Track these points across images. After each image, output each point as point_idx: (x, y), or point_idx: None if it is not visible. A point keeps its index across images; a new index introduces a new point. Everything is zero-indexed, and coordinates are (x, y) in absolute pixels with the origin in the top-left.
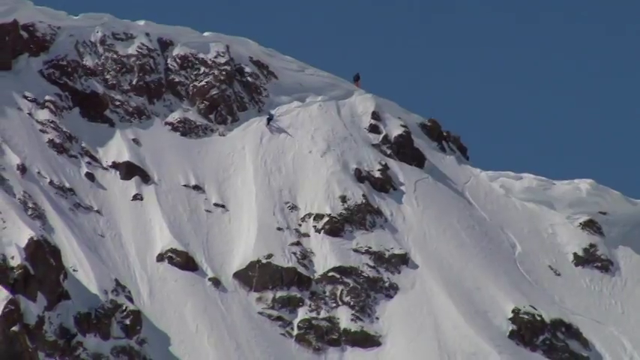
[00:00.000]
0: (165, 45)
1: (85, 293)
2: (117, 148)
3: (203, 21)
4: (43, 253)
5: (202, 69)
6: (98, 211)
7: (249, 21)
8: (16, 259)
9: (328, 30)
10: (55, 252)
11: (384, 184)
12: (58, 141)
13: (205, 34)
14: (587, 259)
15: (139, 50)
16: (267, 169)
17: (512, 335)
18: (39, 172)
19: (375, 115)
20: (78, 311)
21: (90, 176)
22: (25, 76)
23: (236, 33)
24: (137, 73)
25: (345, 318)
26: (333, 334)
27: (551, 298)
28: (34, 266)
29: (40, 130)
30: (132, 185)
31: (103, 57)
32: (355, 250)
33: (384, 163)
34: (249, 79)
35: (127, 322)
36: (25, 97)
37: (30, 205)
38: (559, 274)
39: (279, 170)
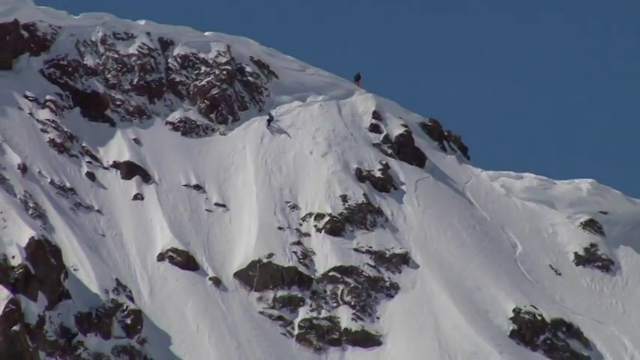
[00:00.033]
0: (165, 44)
1: (85, 293)
2: (117, 148)
3: (204, 20)
4: (43, 252)
5: (203, 68)
6: (99, 211)
7: (250, 21)
8: (16, 259)
9: (329, 30)
10: (56, 251)
11: (385, 183)
12: (58, 140)
13: (206, 33)
14: (588, 258)
15: (140, 50)
16: (268, 168)
17: (513, 335)
18: (40, 172)
19: (376, 115)
20: (79, 311)
21: (91, 176)
22: (26, 75)
23: (237, 32)
24: (138, 73)
25: (345, 317)
26: (334, 334)
27: (552, 298)
28: (35, 266)
29: (41, 130)
30: (132, 185)
31: (103, 56)
32: (356, 250)
33: (384, 162)
34: (249, 78)
35: (128, 321)
36: (26, 97)
37: (31, 204)
38: (560, 274)
39: (279, 170)
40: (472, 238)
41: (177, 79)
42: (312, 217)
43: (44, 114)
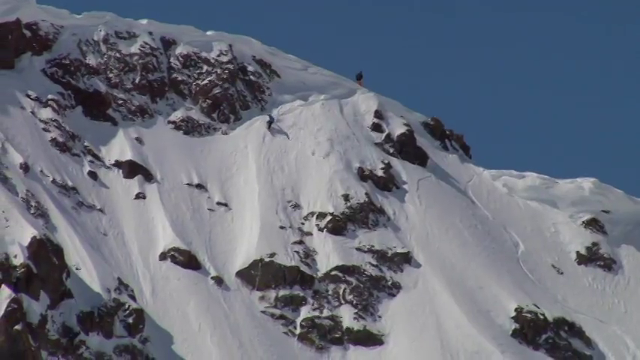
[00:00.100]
0: (168, 44)
1: (87, 292)
2: (120, 147)
3: (206, 20)
4: (45, 251)
5: (205, 68)
6: (101, 210)
7: (252, 20)
8: (18, 258)
9: (331, 29)
10: (58, 251)
11: (387, 182)
12: (60, 140)
13: (208, 32)
14: (590, 257)
15: (142, 49)
16: (270, 167)
17: (515, 334)
18: (42, 171)
19: (378, 114)
20: (81, 310)
21: (93, 175)
22: (28, 74)
23: (239, 32)
24: (140, 72)
25: (347, 317)
26: (336, 333)
27: (554, 297)
28: (37, 265)
29: (43, 129)
30: (134, 184)
31: (105, 56)
32: (358, 249)
33: (386, 161)
34: (252, 77)
35: (130, 320)
36: (28, 96)
37: (33, 203)
38: (562, 273)
39: (281, 169)
40: (474, 237)
41: (180, 79)
42: (314, 217)
43: (46, 113)
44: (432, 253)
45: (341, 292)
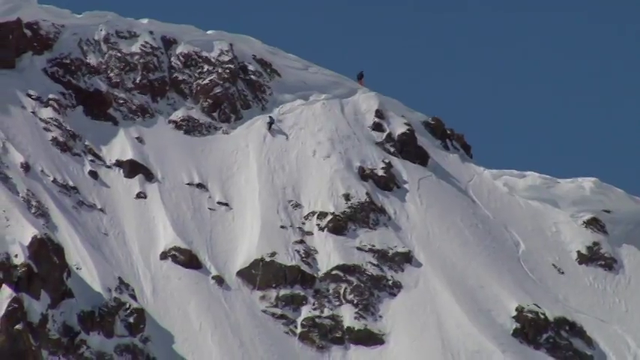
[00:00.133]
0: (168, 43)
1: (88, 291)
2: (120, 146)
3: (206, 19)
4: (46, 251)
5: (206, 67)
6: (102, 209)
7: (253, 19)
8: (19, 258)
9: (332, 28)
10: (59, 250)
11: (388, 182)
12: (61, 139)
13: (209, 32)
14: (591, 257)
15: (143, 48)
16: (271, 167)
17: (516, 333)
18: (42, 171)
19: (379, 114)
20: (81, 309)
21: (93, 174)
22: (29, 74)
23: (239, 31)
24: (141, 72)
25: (348, 316)
26: (337, 333)
27: (555, 297)
28: (38, 264)
29: (44, 129)
30: (135, 183)
31: (106, 55)
32: (359, 249)
33: (387, 161)
34: (252, 77)
35: (131, 320)
36: (29, 96)
37: (33, 203)
38: (563, 273)
39: (282, 168)
40: (475, 236)
41: (180, 78)
42: (315, 216)
43: (47, 112)
44: (433, 253)
45: (342, 291)
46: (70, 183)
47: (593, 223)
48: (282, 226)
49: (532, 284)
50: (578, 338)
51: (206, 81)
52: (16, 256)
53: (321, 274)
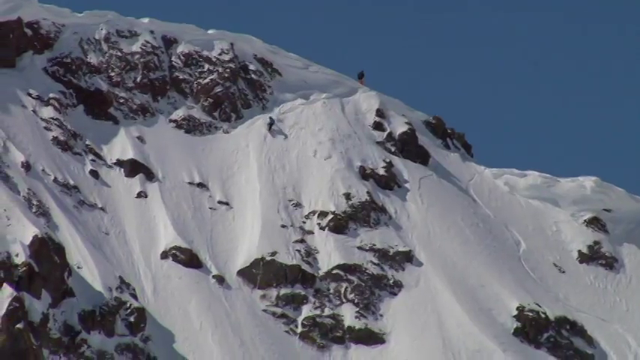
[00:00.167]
0: (169, 42)
1: (89, 290)
2: (121, 146)
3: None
4: (47, 250)
5: (206, 66)
6: (102, 209)
7: (253, 18)
8: (20, 257)
9: (332, 27)
10: (60, 249)
11: (389, 181)
12: (62, 138)
13: (209, 31)
14: (592, 256)
15: (143, 48)
16: (271, 166)
17: (517, 333)
18: (43, 170)
19: (380, 113)
20: (82, 308)
21: (94, 174)
22: (30, 73)
23: (240, 30)
24: (141, 71)
25: (349, 315)
26: (337, 332)
27: (556, 296)
28: (39, 264)
29: (45, 128)
30: (136, 183)
31: (107, 54)
32: (359, 248)
33: (388, 160)
34: (253, 76)
35: (132, 319)
36: (30, 95)
37: (34, 202)
38: (563, 272)
39: (283, 168)
40: (475, 235)
41: (181, 77)
42: (316, 215)
43: (48, 112)
44: (434, 252)
45: (342, 290)
46: (71, 182)
47: (594, 223)
48: (282, 226)
49: (533, 283)
50: (578, 337)
51: (207, 80)
52: (16, 255)
53: (321, 273)
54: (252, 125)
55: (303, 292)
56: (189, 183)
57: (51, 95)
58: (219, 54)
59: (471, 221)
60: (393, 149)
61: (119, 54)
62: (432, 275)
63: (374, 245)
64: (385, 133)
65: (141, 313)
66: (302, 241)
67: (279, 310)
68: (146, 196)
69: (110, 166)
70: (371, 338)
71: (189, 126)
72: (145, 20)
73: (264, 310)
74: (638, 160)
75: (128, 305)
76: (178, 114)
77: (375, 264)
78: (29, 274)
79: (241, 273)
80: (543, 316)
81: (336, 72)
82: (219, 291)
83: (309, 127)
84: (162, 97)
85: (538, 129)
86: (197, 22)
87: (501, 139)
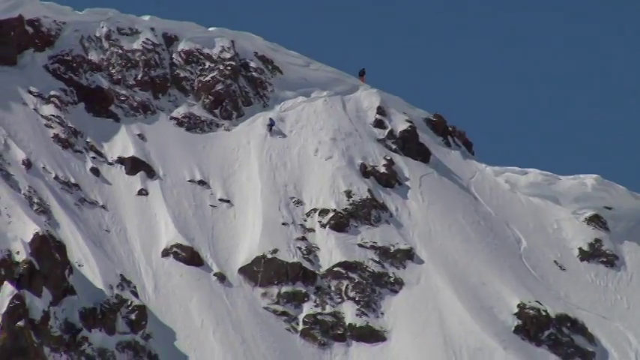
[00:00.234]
0: (170, 40)
1: (90, 288)
2: (122, 143)
3: (208, 16)
4: (48, 248)
5: (207, 64)
6: (103, 206)
7: (254, 16)
8: (21, 254)
9: (333, 25)
10: (61, 247)
11: (390, 179)
12: (63, 136)
13: (210, 29)
14: (593, 254)
15: (144, 45)
16: (273, 164)
17: (518, 330)
18: (44, 167)
19: (381, 110)
20: (83, 306)
21: (95, 171)
22: (31, 71)
23: (241, 28)
24: (142, 68)
25: (350, 313)
26: (339, 329)
27: (557, 294)
28: (40, 261)
29: (45, 125)
30: (137, 180)
31: (108, 52)
32: (360, 245)
33: (389, 158)
34: (254, 74)
35: (133, 317)
36: (30, 92)
37: (35, 200)
38: (564, 270)
39: (284, 165)
40: (477, 233)
41: (182, 75)
42: (317, 213)
43: (48, 109)
44: (435, 250)
45: (343, 288)
46: (72, 180)
47: (595, 220)
48: (283, 223)
49: (534, 281)
50: (579, 335)
51: (207, 78)
52: (17, 253)
53: (322, 270)
54: (253, 123)
55: (304, 290)
56: (190, 181)
57: (52, 93)
58: (220, 51)
59: (472, 219)
60: (393, 147)
61: (120, 51)
62: (433, 273)
63: (375, 243)
64: (386, 131)
65: (142, 310)
66: (303, 238)
67: (280, 308)
68: (147, 194)
69: (111, 164)
70: (372, 336)
71: (190, 123)
72: (146, 18)
73: (265, 308)
74: (638, 157)
75: (129, 303)
76: (179, 111)
77: (375, 262)
78: (30, 271)
79: (242, 271)
80: (544, 313)
81: (336, 70)
82: (220, 289)
83: (310, 125)
84: (163, 95)
85: (539, 127)
86: (198, 20)
87: (502, 137)
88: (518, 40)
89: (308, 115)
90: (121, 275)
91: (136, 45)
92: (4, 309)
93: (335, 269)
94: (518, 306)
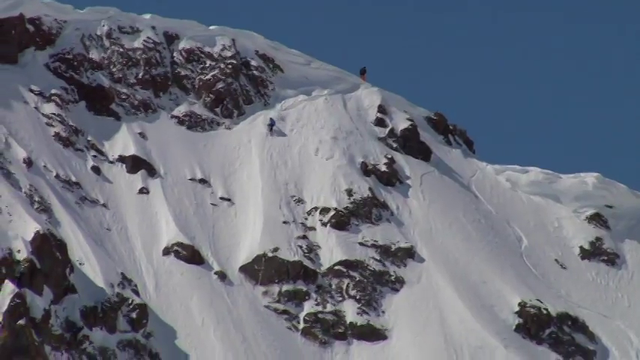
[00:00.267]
0: (171, 38)
1: (91, 287)
2: (123, 142)
3: (209, 15)
4: (49, 246)
5: (208, 62)
6: (104, 205)
7: (255, 14)
8: (22, 253)
9: (334, 23)
10: (61, 245)
11: (390, 177)
12: (64, 134)
13: (211, 27)
14: (594, 252)
15: (145, 44)
16: (273, 162)
17: (519, 329)
18: (45, 166)
19: (381, 109)
20: (84, 305)
21: (96, 170)
22: (32, 69)
23: (242, 26)
24: (143, 67)
25: (351, 312)
26: (339, 328)
27: (558, 292)
28: (41, 260)
29: (46, 124)
30: (138, 179)
31: (109, 50)
32: (361, 244)
33: (390, 156)
34: (255, 72)
35: (133, 315)
36: (32, 91)
37: (36, 198)
38: (565, 268)
39: (285, 164)
40: (477, 232)
41: (183, 73)
42: (318, 211)
43: (49, 108)
44: (436, 248)
45: (344, 286)
46: (73, 178)
47: (596, 219)
48: (284, 222)
49: (534, 279)
50: (580, 333)
51: (208, 76)
52: (18, 251)
53: (323, 269)
54: (254, 121)
55: (305, 289)
56: (191, 179)
57: (53, 91)
58: (221, 50)
59: (473, 217)
60: (394, 145)
61: (121, 50)
62: (434, 271)
63: (376, 241)
64: (387, 130)
65: (143, 309)
66: (304, 237)
67: (281, 307)
68: (148, 192)
69: (112, 162)
70: (373, 334)
71: (191, 122)
72: (147, 16)
73: (266, 307)
74: (639, 156)
75: (130, 301)
76: (180, 110)
77: (376, 260)
78: (31, 270)
79: (243, 269)
80: (545, 312)
81: (337, 68)
82: (221, 287)
83: (310, 124)
84: (164, 93)
85: (540, 125)
86: (199, 18)
87: (503, 136)
88: (518, 40)
89: (309, 114)
90: (121, 274)
91: (137, 43)
92: (5, 307)
93: (336, 268)
94: (519, 304)
